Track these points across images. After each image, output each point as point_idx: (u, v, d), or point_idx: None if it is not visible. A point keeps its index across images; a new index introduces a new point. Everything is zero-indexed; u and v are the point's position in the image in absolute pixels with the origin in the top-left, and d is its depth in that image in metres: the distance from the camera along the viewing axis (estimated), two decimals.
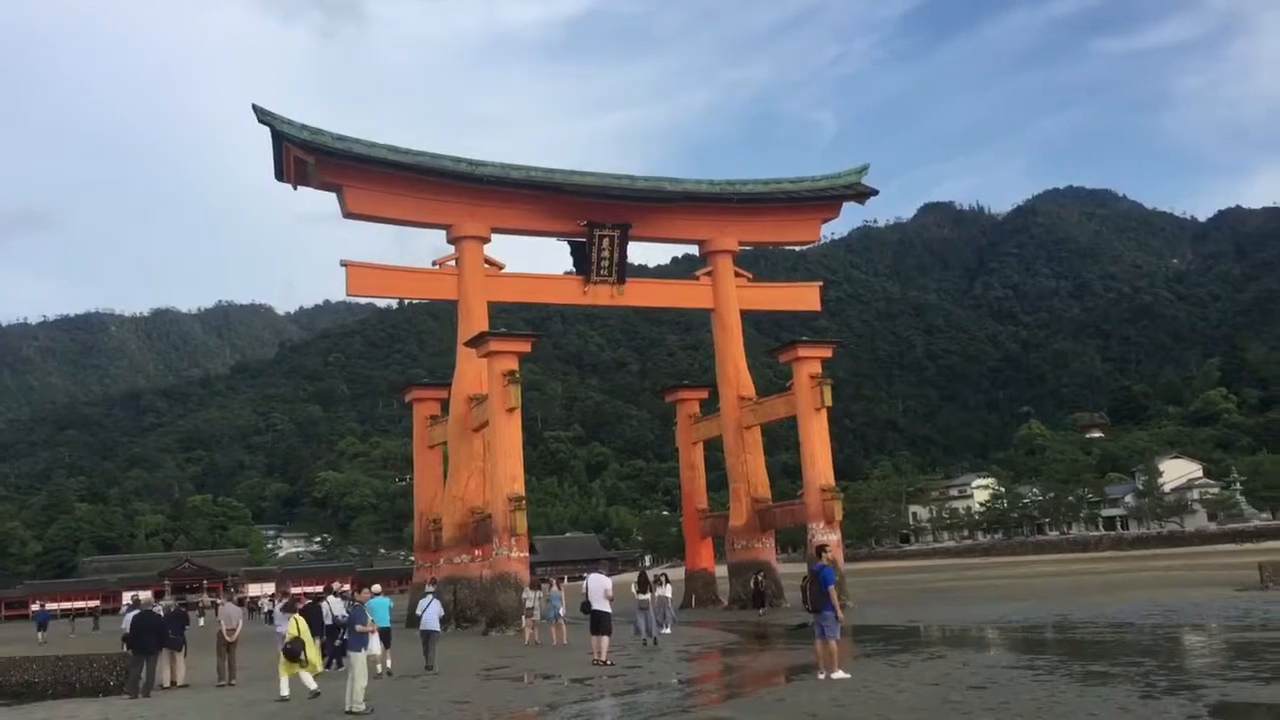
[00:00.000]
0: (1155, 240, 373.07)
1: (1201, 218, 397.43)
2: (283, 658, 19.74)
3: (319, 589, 56.01)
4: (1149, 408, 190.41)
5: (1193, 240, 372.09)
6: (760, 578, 42.55)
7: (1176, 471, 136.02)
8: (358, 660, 17.24)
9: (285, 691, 19.46)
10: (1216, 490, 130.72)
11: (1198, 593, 38.16)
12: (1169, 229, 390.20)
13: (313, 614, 24.74)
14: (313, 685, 19.60)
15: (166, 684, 22.71)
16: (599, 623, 23.74)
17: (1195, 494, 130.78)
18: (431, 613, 25.14)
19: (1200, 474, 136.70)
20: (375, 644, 17.25)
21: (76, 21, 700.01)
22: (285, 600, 25.69)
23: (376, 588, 22.49)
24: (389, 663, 23.99)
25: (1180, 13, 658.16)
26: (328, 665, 24.30)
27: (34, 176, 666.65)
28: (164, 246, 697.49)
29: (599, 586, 24.44)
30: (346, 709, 17.08)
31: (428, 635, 24.85)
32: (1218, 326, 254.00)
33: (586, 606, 24.48)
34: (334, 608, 25.46)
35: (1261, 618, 26.76)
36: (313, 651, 20.02)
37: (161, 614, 23.43)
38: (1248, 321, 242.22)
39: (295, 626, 20.00)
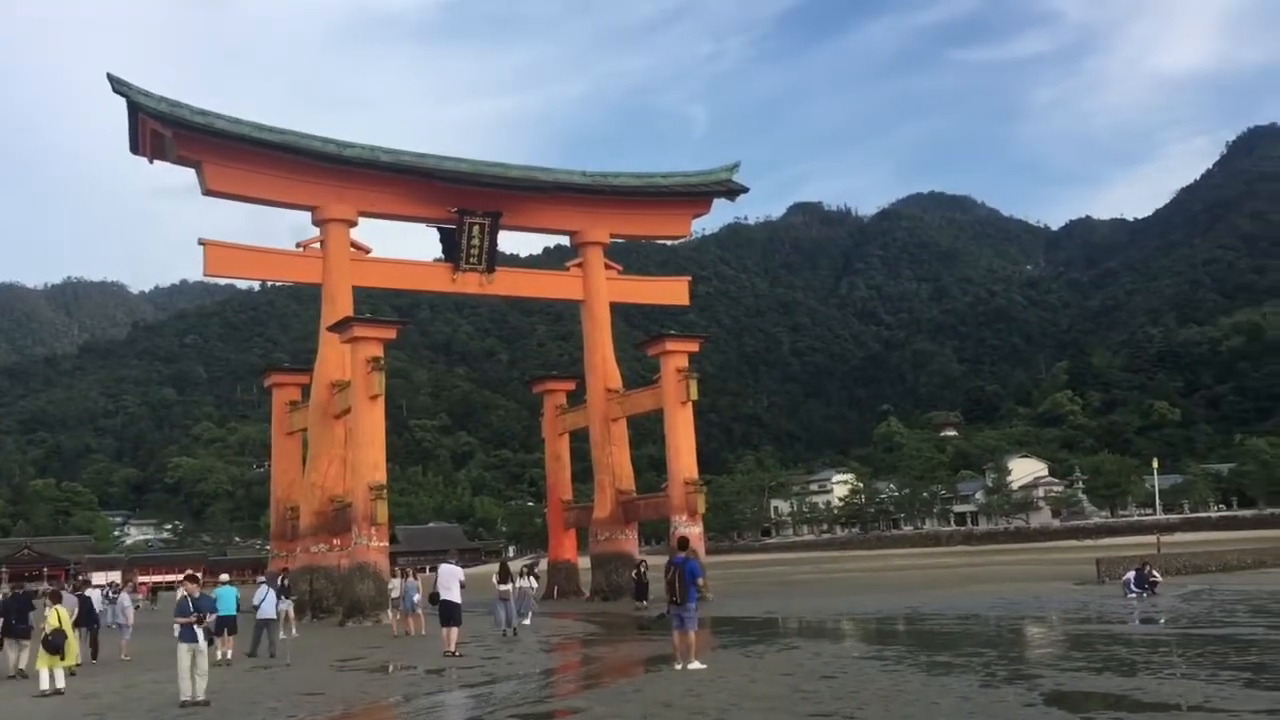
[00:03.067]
0: (1011, 246, 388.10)
1: (1054, 226, 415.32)
2: (42, 650, 19.14)
3: (170, 578, 54.49)
4: (1000, 408, 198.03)
5: (1045, 248, 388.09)
6: (642, 569, 42.53)
7: (1024, 470, 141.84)
8: (181, 652, 16.71)
9: (45, 685, 18.87)
10: (1060, 489, 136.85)
11: (1040, 587, 39.81)
12: (1023, 236, 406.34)
13: (82, 605, 25.48)
14: (61, 683, 19.05)
15: (11, 673, 21.85)
16: (449, 614, 23.53)
17: (1041, 492, 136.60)
18: (269, 602, 25.88)
19: (1046, 473, 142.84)
20: (200, 637, 16.72)
21: None
22: (50, 590, 25.13)
23: (224, 576, 22.00)
24: (229, 652, 24.18)
25: (1036, 27, 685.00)
26: (94, 656, 25.47)
27: None
28: (7, 218, 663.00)
29: (450, 576, 24.23)
30: (181, 700, 16.56)
31: (265, 624, 25.61)
32: (1067, 331, 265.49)
33: (435, 597, 24.30)
34: (95, 599, 27.40)
35: (1097, 610, 28.11)
36: (71, 645, 19.70)
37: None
38: (1094, 328, 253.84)
39: (56, 617, 19.33)
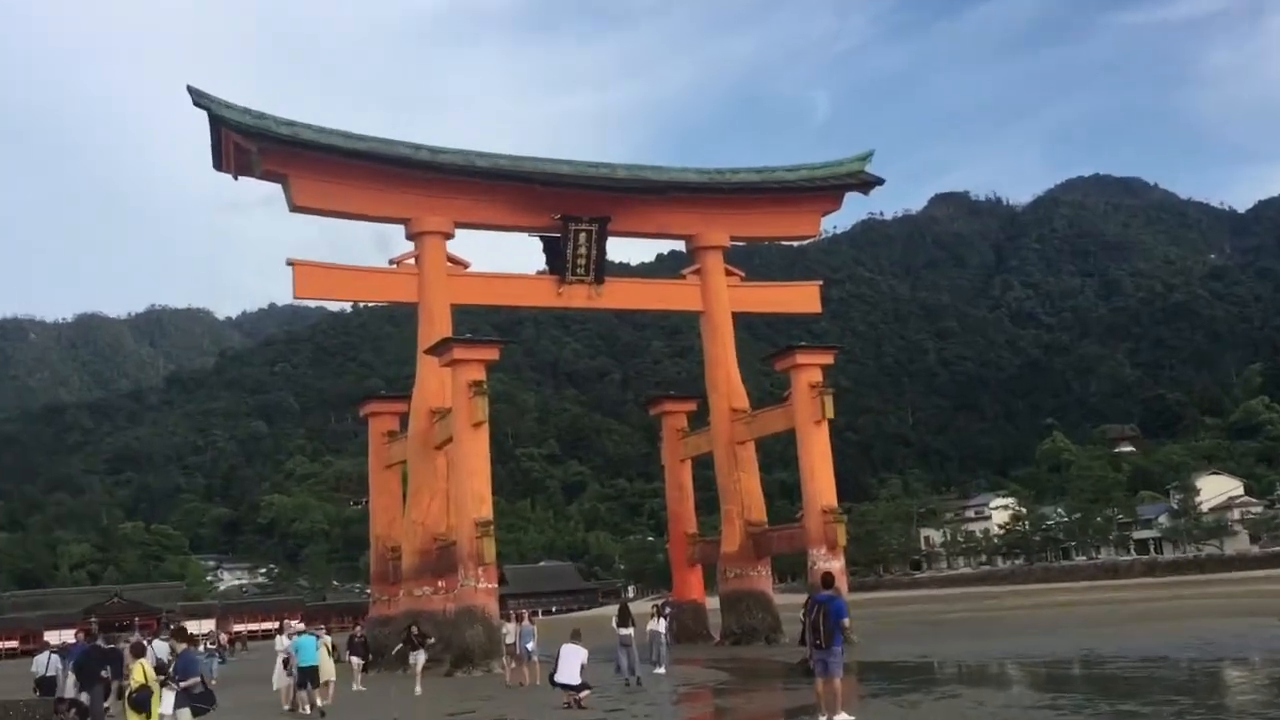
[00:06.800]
0: (1190, 233, 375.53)
1: (1240, 208, 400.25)
2: (129, 709, 19.63)
3: (267, 626, 56.05)
4: (1184, 418, 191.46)
5: (1231, 233, 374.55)
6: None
7: (1215, 489, 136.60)
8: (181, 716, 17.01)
9: None
10: (1260, 509, 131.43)
11: (1239, 623, 38.37)
12: (1205, 221, 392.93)
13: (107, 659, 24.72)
14: None
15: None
16: (568, 687, 23.82)
17: (1236, 514, 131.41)
18: (317, 651, 27.14)
19: (1241, 491, 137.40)
20: (168, 703, 16.98)
21: None
22: (133, 642, 25.93)
23: (299, 625, 22.73)
24: (319, 701, 26.26)
25: None
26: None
27: None
28: (88, 245, 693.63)
29: (570, 657, 24.15)
30: None
31: (305, 673, 26.55)
32: (1260, 328, 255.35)
33: (554, 680, 24.40)
34: (158, 650, 26.96)
35: None
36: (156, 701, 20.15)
37: (105, 650, 23.87)
38: None
39: (141, 673, 19.74)
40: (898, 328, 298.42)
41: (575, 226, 46.69)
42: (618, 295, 51.91)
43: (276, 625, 41.50)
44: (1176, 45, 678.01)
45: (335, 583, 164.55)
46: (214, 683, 29.04)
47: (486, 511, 38.98)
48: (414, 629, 34.71)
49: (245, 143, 41.54)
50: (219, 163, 43.36)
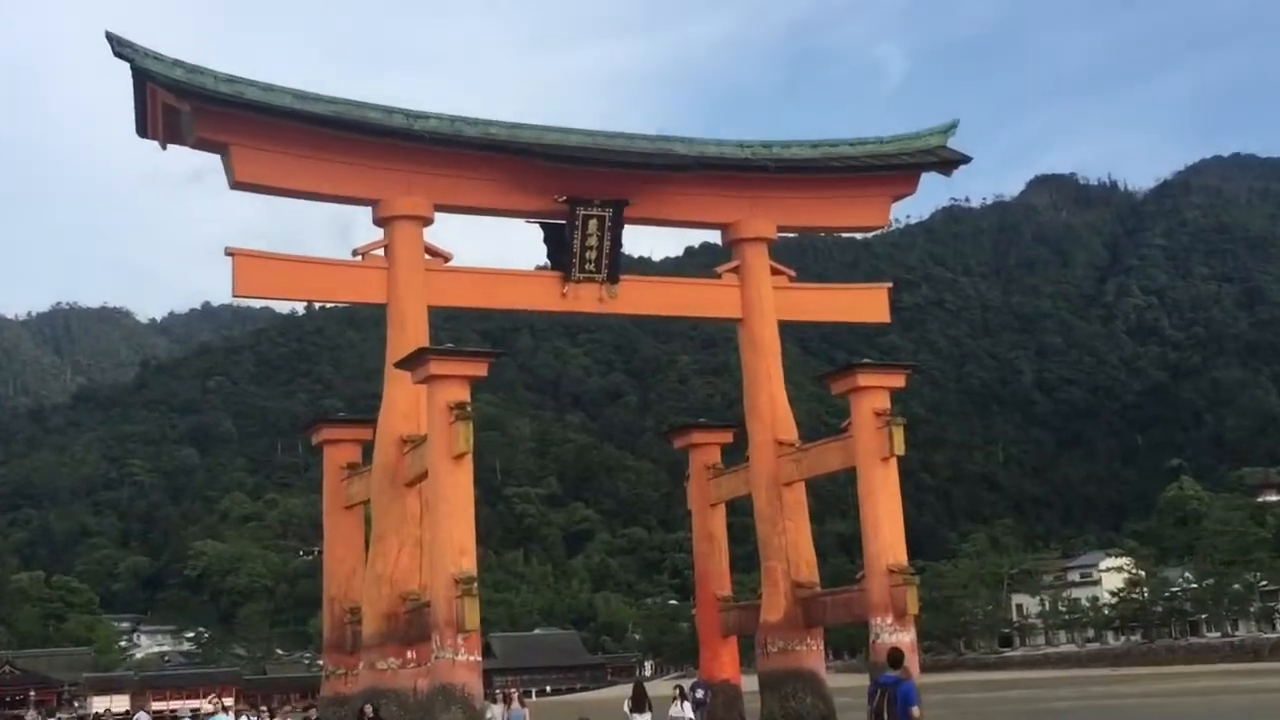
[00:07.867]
0: None
1: None
2: None
3: (194, 704, 56.21)
4: None
5: None
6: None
7: None
8: None
9: None
10: None
11: None
12: None
13: None
14: None
15: None
16: None
17: None
18: None
19: None
20: None
21: None
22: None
23: (208, 706, 22.97)
24: None
25: None
26: None
27: None
28: None
29: None
30: None
31: None
32: None
33: None
34: None
35: None
36: None
37: None
38: None
39: None
40: (986, 343, 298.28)
41: (584, 211, 46.64)
42: (636, 298, 51.74)
43: (206, 703, 41.26)
44: None
45: (279, 651, 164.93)
46: None
47: (469, 565, 38.91)
48: (367, 710, 34.41)
49: (176, 102, 41.61)
50: (143, 127, 43.46)
